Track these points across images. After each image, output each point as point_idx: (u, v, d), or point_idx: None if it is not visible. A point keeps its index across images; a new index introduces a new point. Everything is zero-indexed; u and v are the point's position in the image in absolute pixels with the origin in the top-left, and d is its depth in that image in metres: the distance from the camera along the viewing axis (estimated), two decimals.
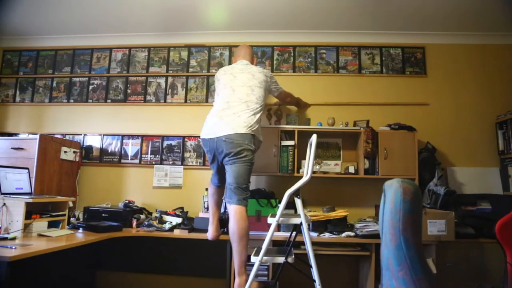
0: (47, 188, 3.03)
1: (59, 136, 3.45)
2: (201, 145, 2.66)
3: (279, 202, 2.52)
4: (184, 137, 3.47)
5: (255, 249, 2.29)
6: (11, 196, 2.46)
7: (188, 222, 2.91)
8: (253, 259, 2.16)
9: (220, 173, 2.58)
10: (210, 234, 2.64)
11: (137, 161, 3.49)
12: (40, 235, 2.44)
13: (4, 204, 2.41)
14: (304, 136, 2.99)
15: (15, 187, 2.62)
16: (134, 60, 3.67)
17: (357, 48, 3.49)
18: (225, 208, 2.87)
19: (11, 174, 2.63)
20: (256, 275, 2.25)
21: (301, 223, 2.16)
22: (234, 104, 2.48)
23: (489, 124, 3.27)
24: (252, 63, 2.79)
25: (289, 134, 3.07)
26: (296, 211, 2.65)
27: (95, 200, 3.37)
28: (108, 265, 3.26)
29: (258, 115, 2.51)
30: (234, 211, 2.33)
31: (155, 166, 3.44)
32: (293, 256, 2.17)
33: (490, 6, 2.93)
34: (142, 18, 3.32)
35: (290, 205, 2.76)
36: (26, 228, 2.42)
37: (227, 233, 2.77)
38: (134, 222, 2.92)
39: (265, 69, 2.77)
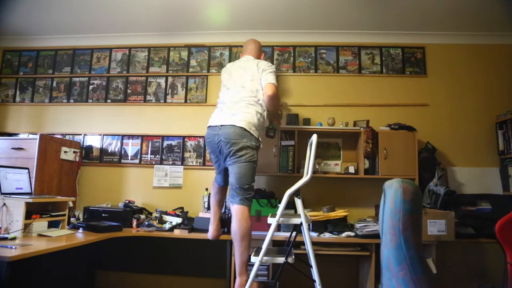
0: (47, 188, 3.03)
1: (59, 136, 3.45)
2: (205, 146, 2.65)
3: (279, 202, 2.51)
4: (184, 137, 3.47)
5: (255, 249, 2.29)
6: (11, 196, 2.45)
7: (188, 222, 2.92)
8: (253, 259, 2.16)
9: (223, 173, 2.58)
10: (210, 234, 2.64)
11: (137, 161, 3.49)
12: (40, 235, 2.44)
13: (4, 204, 2.41)
14: (304, 136, 2.99)
15: (15, 187, 2.62)
16: (134, 60, 3.67)
17: (357, 48, 3.48)
18: (225, 208, 2.87)
19: (11, 174, 2.63)
20: (256, 275, 2.25)
21: (301, 223, 2.16)
22: (228, 104, 2.51)
23: (489, 124, 3.27)
24: (258, 57, 2.73)
25: (289, 134, 3.07)
26: (296, 211, 2.65)
27: (95, 200, 3.37)
28: (108, 265, 3.26)
29: (253, 108, 2.45)
30: (236, 211, 2.32)
31: (155, 166, 3.44)
32: (293, 256, 2.17)
33: (490, 6, 2.93)
34: (142, 18, 3.32)
35: (290, 205, 2.76)
36: (26, 228, 2.42)
37: (227, 233, 2.78)
38: (134, 222, 2.92)
39: (265, 60, 2.66)
